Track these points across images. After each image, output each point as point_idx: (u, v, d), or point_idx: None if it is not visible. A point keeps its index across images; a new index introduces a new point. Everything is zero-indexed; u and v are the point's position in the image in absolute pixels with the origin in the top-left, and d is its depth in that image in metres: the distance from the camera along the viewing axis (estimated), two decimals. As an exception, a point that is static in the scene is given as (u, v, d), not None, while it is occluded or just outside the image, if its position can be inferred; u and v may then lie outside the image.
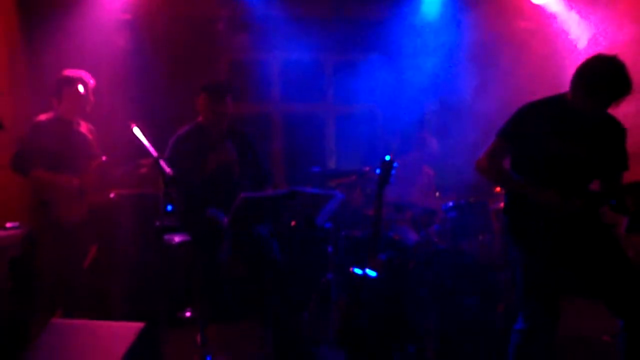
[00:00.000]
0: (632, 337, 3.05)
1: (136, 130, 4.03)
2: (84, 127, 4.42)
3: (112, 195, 4.36)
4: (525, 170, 3.17)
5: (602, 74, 3.01)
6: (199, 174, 4.19)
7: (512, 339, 3.21)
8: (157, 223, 4.21)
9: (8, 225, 4.02)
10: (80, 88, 4.29)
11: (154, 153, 4.03)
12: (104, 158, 4.25)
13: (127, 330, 3.10)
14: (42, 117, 4.28)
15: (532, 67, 5.85)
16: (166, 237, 4.12)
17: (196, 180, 4.16)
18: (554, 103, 3.19)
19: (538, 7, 6.13)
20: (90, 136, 4.41)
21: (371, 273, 3.94)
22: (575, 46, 5.70)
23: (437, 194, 5.23)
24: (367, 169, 4.90)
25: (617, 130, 3.23)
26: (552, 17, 6.04)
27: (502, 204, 3.60)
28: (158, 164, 3.77)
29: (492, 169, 3.20)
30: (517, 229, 3.21)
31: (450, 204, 4.85)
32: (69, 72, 4.32)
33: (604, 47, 5.05)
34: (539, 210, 3.08)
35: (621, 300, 3.06)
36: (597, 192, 3.22)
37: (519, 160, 3.24)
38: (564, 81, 3.18)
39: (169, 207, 4.44)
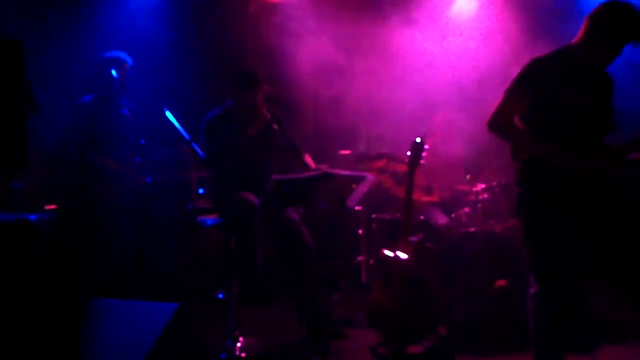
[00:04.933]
0: None
1: (168, 114, 4.09)
2: (125, 109, 4.48)
3: (147, 178, 4.43)
4: (537, 129, 3.11)
5: (619, 15, 3.03)
6: (235, 148, 4.21)
7: (529, 307, 3.16)
8: (190, 205, 4.27)
9: (47, 207, 4.11)
10: (118, 69, 4.35)
11: (187, 136, 4.08)
12: (142, 142, 4.31)
13: (163, 309, 3.15)
14: (84, 98, 4.35)
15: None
16: (199, 219, 4.17)
17: (231, 158, 4.20)
18: (561, 54, 3.17)
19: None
20: (130, 118, 4.48)
21: (402, 255, 3.95)
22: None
23: (468, 176, 5.20)
24: (396, 152, 4.90)
25: (612, 82, 3.24)
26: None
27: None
28: (191, 147, 3.81)
29: (504, 125, 3.15)
30: (531, 183, 3.15)
31: (482, 186, 4.82)
32: (107, 54, 4.37)
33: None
34: (555, 169, 3.04)
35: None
36: (614, 146, 3.15)
37: (529, 118, 3.16)
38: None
39: (201, 190, 4.51)
